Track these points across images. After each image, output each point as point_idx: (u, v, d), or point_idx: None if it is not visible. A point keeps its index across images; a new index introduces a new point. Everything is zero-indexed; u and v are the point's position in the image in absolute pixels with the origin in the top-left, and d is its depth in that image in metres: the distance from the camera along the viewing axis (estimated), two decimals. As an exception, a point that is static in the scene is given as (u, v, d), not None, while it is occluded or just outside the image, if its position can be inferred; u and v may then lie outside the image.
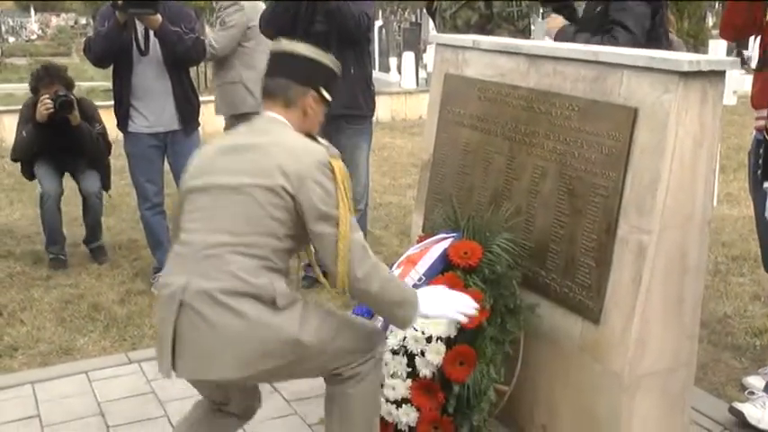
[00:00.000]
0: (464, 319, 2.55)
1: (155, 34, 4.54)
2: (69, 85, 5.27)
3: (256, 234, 2.30)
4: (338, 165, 2.38)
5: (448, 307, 2.52)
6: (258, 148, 2.39)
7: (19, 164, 5.47)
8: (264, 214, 2.30)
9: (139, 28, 4.56)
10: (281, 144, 2.38)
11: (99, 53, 4.61)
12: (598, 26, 3.60)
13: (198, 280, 2.26)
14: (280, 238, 2.33)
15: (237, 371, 2.29)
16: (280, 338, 2.29)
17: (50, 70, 5.27)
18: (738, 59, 2.78)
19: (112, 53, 4.60)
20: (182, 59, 4.70)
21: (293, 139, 2.43)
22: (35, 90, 5.21)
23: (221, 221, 2.33)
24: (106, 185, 5.51)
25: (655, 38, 3.62)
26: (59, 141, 5.19)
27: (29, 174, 5.43)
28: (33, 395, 3.59)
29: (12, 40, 27.64)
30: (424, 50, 15.76)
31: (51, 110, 5.03)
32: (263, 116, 2.51)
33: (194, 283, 2.26)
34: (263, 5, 5.53)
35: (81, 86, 11.93)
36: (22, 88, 14.88)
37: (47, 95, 5.05)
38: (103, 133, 5.38)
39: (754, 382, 3.62)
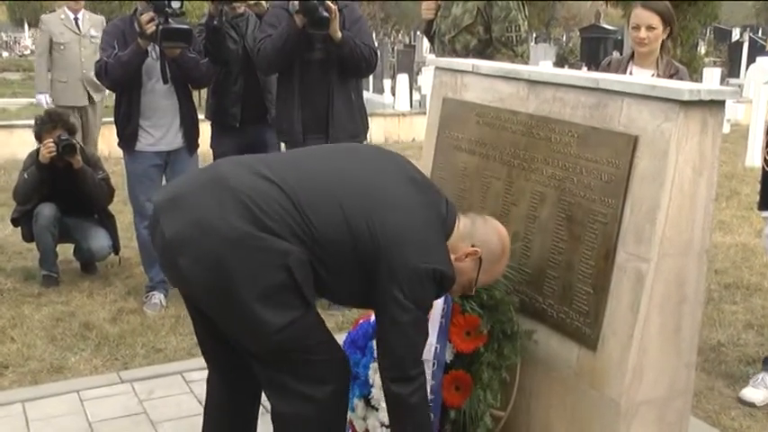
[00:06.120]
0: None
1: (174, 60, 4.58)
2: (71, 129, 5.33)
3: None
4: None
5: None
6: None
7: (20, 228, 5.48)
8: None
9: (150, 51, 4.60)
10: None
11: (118, 78, 4.63)
12: None
13: None
14: None
15: None
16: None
17: (53, 115, 5.34)
18: (738, 89, 2.80)
19: (131, 78, 4.62)
20: (196, 83, 4.86)
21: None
22: (38, 136, 5.25)
23: None
24: (116, 246, 5.51)
25: None
26: (61, 184, 5.22)
27: (28, 233, 5.40)
28: (23, 414, 3.54)
29: (5, 54, 27.60)
30: (418, 72, 15.82)
31: (54, 153, 5.07)
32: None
33: None
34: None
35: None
36: (16, 103, 14.89)
37: (50, 139, 5.10)
38: (106, 179, 5.42)
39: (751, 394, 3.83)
